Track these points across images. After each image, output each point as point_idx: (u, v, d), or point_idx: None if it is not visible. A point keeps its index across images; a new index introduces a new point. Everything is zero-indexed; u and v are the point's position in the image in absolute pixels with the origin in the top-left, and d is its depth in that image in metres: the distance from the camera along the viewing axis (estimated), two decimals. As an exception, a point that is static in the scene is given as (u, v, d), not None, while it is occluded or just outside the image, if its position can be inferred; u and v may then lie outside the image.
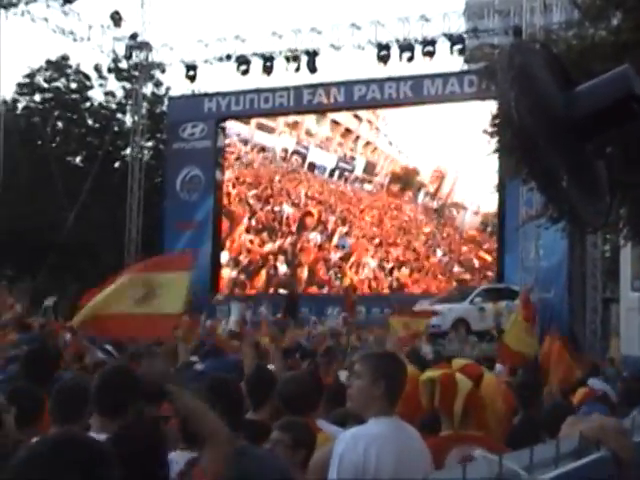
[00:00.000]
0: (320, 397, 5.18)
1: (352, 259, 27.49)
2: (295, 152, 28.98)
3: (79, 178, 29.81)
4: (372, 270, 27.22)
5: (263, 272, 28.58)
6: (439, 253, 26.88)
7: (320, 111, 28.52)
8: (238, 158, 29.69)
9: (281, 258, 28.47)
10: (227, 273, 29.03)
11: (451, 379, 4.19)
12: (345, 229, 27.88)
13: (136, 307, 7.37)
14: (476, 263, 26.31)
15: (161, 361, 3.15)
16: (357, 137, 28.42)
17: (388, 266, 26.97)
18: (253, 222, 29.04)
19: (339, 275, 27.62)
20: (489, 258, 26.16)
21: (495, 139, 20.89)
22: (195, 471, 3.62)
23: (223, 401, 4.01)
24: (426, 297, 23.34)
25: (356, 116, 28.34)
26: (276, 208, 28.88)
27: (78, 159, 36.14)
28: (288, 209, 28.77)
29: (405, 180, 27.51)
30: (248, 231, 29.06)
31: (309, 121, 28.98)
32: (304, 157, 28.86)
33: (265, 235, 28.81)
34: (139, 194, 28.82)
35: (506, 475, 1.46)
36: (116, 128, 34.82)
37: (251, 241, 28.97)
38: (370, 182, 28.00)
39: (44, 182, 29.97)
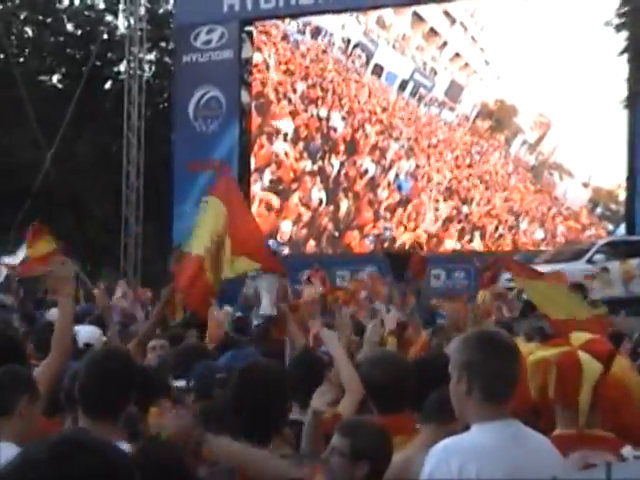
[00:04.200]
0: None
1: (409, 208, 27.08)
2: (359, 45, 28.44)
3: (58, 104, 29.62)
4: (435, 225, 26.83)
5: (296, 196, 28.33)
6: (523, 225, 26.24)
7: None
8: (285, 37, 29.23)
9: (319, 184, 28.12)
10: (254, 187, 28.81)
11: (574, 360, 4.09)
12: (407, 166, 27.41)
13: None
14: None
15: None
16: (444, 43, 27.75)
17: (457, 226, 26.68)
18: (291, 127, 28.58)
19: (388, 225, 27.38)
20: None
21: (624, 34, 20.35)
22: None
23: (262, 394, 4.34)
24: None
25: (447, 14, 27.53)
26: (322, 114, 28.46)
27: (55, 78, 36.10)
28: (338, 121, 28.32)
29: (498, 118, 26.98)
30: (284, 138, 28.73)
31: (385, 9, 28.27)
32: (369, 55, 28.35)
33: (303, 147, 28.43)
34: (139, 124, 28.85)
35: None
36: (105, 36, 34.35)
37: (286, 153, 28.67)
38: (452, 110, 27.49)
39: (10, 110, 29.61)
